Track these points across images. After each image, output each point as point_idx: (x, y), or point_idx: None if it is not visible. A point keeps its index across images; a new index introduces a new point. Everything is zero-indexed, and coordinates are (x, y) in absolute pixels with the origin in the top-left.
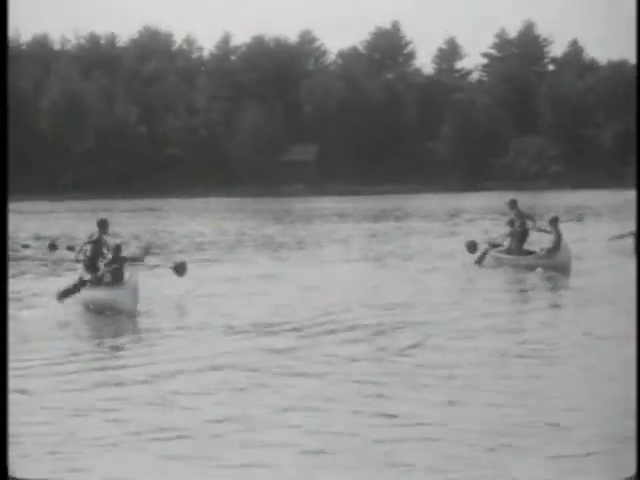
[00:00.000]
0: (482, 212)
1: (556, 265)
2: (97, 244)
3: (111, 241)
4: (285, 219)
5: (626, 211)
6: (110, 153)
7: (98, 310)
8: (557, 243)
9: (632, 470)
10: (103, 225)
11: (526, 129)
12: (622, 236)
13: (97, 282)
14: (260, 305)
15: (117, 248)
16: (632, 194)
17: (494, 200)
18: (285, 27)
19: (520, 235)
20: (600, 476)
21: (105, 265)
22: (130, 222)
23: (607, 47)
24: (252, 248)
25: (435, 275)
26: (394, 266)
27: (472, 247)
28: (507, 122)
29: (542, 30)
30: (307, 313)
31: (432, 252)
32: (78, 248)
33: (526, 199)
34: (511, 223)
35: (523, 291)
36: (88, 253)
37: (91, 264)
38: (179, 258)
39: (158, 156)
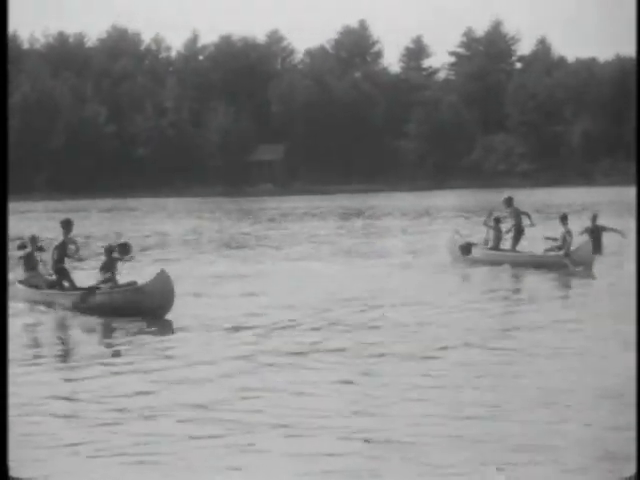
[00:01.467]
0: (451, 210)
1: (579, 261)
2: (62, 246)
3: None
4: (252, 218)
5: (593, 209)
6: (80, 152)
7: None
8: (569, 239)
9: (632, 470)
10: (67, 225)
11: (494, 127)
12: (556, 239)
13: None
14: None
15: (109, 249)
16: (600, 191)
17: (463, 198)
18: (253, 27)
19: (516, 233)
20: (600, 476)
21: (101, 270)
22: (98, 222)
23: (575, 45)
24: (213, 247)
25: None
26: (354, 264)
27: (466, 249)
28: (475, 120)
29: (509, 28)
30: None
31: (398, 250)
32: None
33: (494, 197)
34: (496, 221)
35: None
36: (55, 257)
37: (59, 267)
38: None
39: (127, 156)
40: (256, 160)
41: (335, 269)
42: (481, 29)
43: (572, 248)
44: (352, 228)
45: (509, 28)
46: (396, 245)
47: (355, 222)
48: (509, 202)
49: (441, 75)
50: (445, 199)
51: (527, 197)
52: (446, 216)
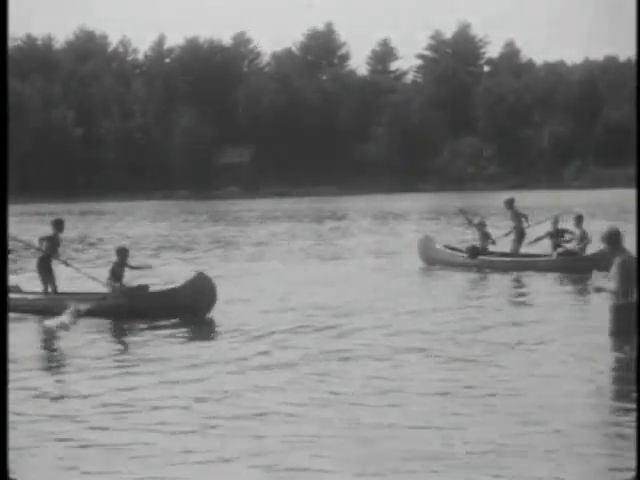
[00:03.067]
0: (420, 213)
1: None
2: (53, 239)
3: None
4: (219, 221)
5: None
6: (47, 156)
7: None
8: (586, 241)
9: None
10: (58, 225)
11: (462, 130)
12: (567, 231)
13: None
14: None
15: (123, 251)
16: (569, 194)
17: (431, 201)
18: (220, 29)
19: (518, 236)
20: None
21: (112, 273)
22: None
23: (544, 48)
24: (176, 250)
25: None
26: (322, 266)
27: (474, 252)
28: (443, 123)
29: (477, 31)
30: None
31: (367, 253)
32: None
33: (462, 200)
34: (481, 225)
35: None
36: (43, 250)
37: (44, 263)
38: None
39: (94, 159)
40: (223, 163)
41: (299, 272)
42: (449, 32)
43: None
44: (319, 230)
45: (477, 31)
46: (364, 248)
47: (323, 224)
48: (510, 204)
49: (409, 78)
50: (413, 202)
51: (495, 200)
52: (415, 219)
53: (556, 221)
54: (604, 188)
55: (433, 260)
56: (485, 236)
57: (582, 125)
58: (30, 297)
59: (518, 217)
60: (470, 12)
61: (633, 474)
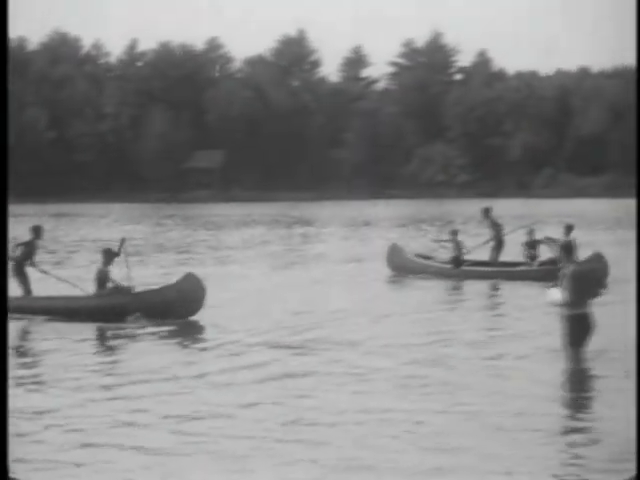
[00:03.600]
0: (390, 220)
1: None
2: (30, 245)
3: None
4: (189, 224)
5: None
6: (20, 157)
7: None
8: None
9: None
10: (37, 231)
11: (433, 138)
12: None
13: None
14: None
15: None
16: (540, 202)
17: (401, 208)
18: (192, 34)
19: (497, 244)
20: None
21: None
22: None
23: (516, 57)
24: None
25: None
26: (290, 272)
27: (457, 262)
28: (414, 131)
29: (450, 40)
30: None
31: (335, 259)
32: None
33: (432, 208)
34: (453, 233)
35: None
36: (18, 255)
37: (19, 268)
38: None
39: (67, 161)
40: (194, 167)
41: (267, 277)
42: (421, 40)
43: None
44: (287, 235)
45: (449, 39)
46: (334, 254)
47: (292, 230)
48: (487, 212)
49: (380, 85)
50: (384, 209)
51: (466, 208)
52: (385, 226)
53: (530, 232)
54: (575, 197)
55: (402, 268)
56: (458, 245)
57: (553, 134)
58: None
59: (496, 226)
60: (443, 21)
61: (633, 474)
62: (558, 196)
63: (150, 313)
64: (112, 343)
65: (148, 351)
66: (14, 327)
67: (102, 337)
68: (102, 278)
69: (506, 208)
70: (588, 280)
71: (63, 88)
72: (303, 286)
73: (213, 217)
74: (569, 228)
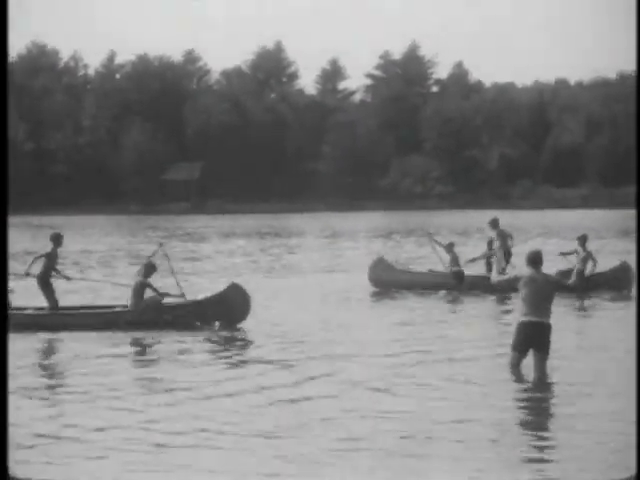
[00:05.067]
0: (368, 231)
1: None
2: (51, 256)
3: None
4: (164, 236)
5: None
6: None
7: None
8: (593, 261)
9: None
10: (57, 239)
11: (410, 150)
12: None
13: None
14: None
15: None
16: (517, 214)
17: (379, 220)
18: (170, 46)
19: (505, 255)
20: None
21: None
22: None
23: (493, 70)
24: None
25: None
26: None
27: (459, 277)
28: (391, 142)
29: (426, 51)
30: None
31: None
32: (30, 261)
33: (410, 219)
34: (450, 245)
35: None
36: (42, 267)
37: (44, 279)
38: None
39: (44, 173)
40: (171, 179)
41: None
42: (398, 52)
43: (599, 270)
44: (265, 247)
45: (426, 52)
46: (311, 267)
47: (269, 241)
48: (495, 224)
49: (357, 97)
50: (362, 220)
51: (443, 219)
52: (364, 237)
53: (490, 243)
54: (553, 208)
55: (389, 283)
56: (455, 259)
57: (530, 146)
58: (33, 313)
59: (504, 237)
60: (420, 34)
61: (633, 474)
62: (536, 207)
63: (193, 323)
64: (180, 357)
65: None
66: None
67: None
68: (140, 290)
69: (484, 220)
70: (546, 290)
71: (41, 100)
72: (284, 300)
73: (196, 229)
74: (583, 239)
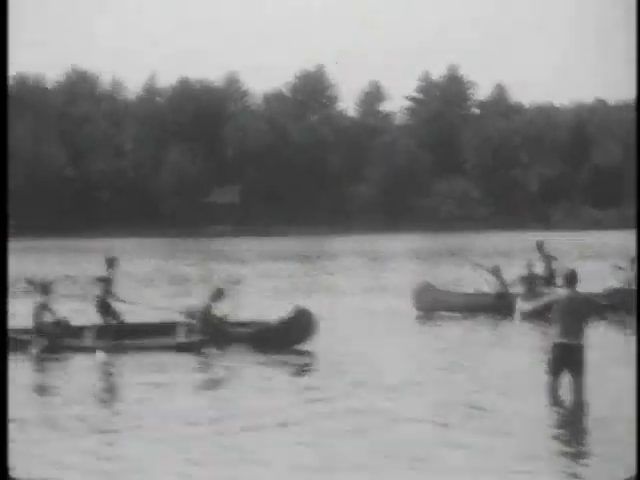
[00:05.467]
0: (408, 254)
1: None
2: (107, 282)
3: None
4: (206, 259)
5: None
6: (39, 194)
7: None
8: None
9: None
10: (111, 263)
11: (450, 171)
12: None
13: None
14: None
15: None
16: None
17: (419, 242)
18: (209, 68)
19: (548, 278)
20: (600, 476)
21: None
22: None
23: (531, 90)
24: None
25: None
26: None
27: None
28: (430, 164)
29: (466, 72)
30: None
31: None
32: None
33: (452, 241)
34: (495, 271)
35: None
36: (99, 292)
37: (102, 303)
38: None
39: (86, 198)
40: (212, 202)
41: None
42: (437, 73)
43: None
44: (309, 270)
45: (466, 72)
46: (359, 289)
47: (314, 264)
48: (541, 246)
49: (398, 119)
50: (402, 242)
51: (484, 241)
52: (407, 260)
53: (530, 265)
54: (592, 229)
55: (434, 306)
56: (502, 282)
57: (570, 167)
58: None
59: (548, 259)
60: (459, 55)
61: (633, 474)
62: (576, 228)
63: (266, 344)
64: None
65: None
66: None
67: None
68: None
69: (525, 241)
70: (579, 309)
71: (81, 125)
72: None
73: (242, 252)
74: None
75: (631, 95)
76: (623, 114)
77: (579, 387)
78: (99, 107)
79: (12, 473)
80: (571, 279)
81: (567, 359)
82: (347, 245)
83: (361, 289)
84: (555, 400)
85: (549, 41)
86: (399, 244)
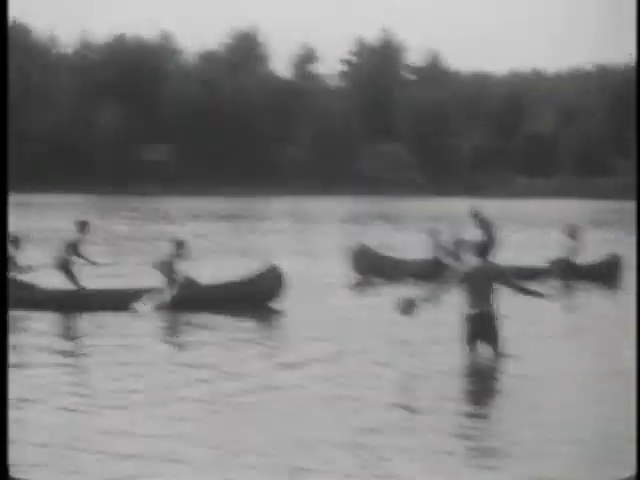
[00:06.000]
0: (342, 217)
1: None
2: (75, 246)
3: None
4: (134, 217)
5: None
6: None
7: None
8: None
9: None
10: (82, 226)
11: (383, 136)
12: None
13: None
14: None
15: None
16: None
17: (352, 205)
18: (145, 26)
19: (485, 245)
20: (600, 476)
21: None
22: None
23: (468, 57)
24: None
25: None
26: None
27: None
28: (364, 128)
29: (402, 39)
30: None
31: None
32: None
33: (382, 207)
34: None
35: None
36: (66, 253)
37: (67, 263)
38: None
39: (17, 151)
40: (145, 160)
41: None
42: (373, 38)
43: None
44: (238, 229)
45: (402, 39)
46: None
47: (241, 223)
48: (477, 213)
49: (331, 82)
50: (333, 205)
51: (415, 207)
52: (336, 223)
53: (456, 232)
54: (525, 198)
55: (372, 270)
56: (441, 247)
57: (504, 135)
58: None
59: (488, 225)
60: (396, 21)
61: (633, 474)
62: (508, 196)
63: (231, 304)
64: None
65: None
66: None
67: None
68: (172, 269)
69: (459, 208)
70: (486, 279)
71: (15, 78)
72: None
73: (172, 211)
74: (570, 228)
75: (566, 65)
76: (560, 85)
77: (496, 354)
78: (33, 60)
79: (12, 473)
80: (482, 249)
81: (480, 329)
82: (279, 206)
83: (294, 251)
84: (472, 368)
85: (486, 10)
86: (331, 206)
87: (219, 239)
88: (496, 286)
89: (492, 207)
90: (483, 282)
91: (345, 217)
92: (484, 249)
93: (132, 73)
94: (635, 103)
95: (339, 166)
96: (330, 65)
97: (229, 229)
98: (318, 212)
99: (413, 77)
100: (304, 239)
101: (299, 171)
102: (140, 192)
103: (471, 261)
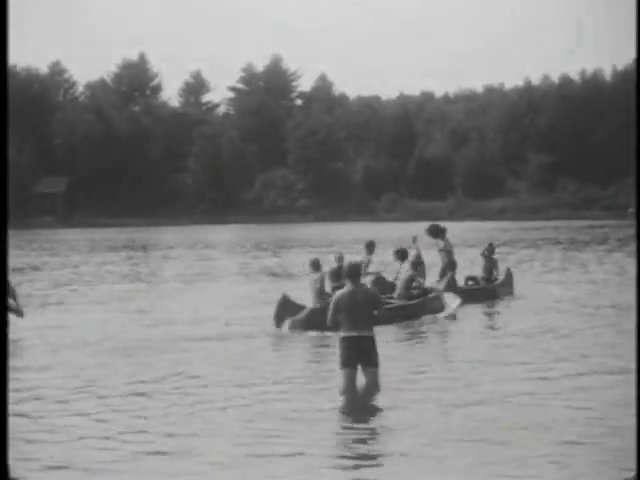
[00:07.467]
0: (229, 244)
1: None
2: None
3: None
4: (30, 249)
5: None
6: None
7: None
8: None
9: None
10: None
11: (274, 163)
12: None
13: None
14: None
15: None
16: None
17: (244, 232)
18: (35, 58)
19: (451, 268)
20: (600, 476)
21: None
22: None
23: (357, 83)
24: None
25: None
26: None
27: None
28: (254, 155)
29: (290, 64)
30: None
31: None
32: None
33: (274, 232)
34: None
35: None
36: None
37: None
38: None
39: None
40: (39, 192)
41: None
42: (261, 65)
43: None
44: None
45: (290, 64)
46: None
47: (142, 253)
48: (443, 233)
49: (221, 110)
50: (226, 233)
51: (306, 231)
52: (238, 251)
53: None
54: (418, 220)
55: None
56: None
57: (396, 159)
58: None
59: (449, 248)
60: (284, 46)
61: (633, 474)
62: (401, 219)
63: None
64: None
65: None
66: None
67: None
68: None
69: (351, 232)
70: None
71: None
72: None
73: (56, 243)
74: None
75: (454, 88)
76: (449, 106)
77: (372, 378)
78: None
79: (12, 473)
80: (353, 273)
81: (356, 352)
82: (171, 236)
83: (186, 279)
84: (346, 391)
85: (372, 36)
86: (224, 235)
87: (110, 268)
88: (374, 309)
89: (385, 230)
90: (362, 306)
91: (237, 245)
92: (355, 273)
93: (24, 105)
94: (635, 103)
95: (230, 194)
96: (221, 94)
97: (121, 259)
98: (211, 241)
99: (300, 102)
100: (198, 266)
101: (190, 200)
102: (33, 225)
103: (344, 288)
